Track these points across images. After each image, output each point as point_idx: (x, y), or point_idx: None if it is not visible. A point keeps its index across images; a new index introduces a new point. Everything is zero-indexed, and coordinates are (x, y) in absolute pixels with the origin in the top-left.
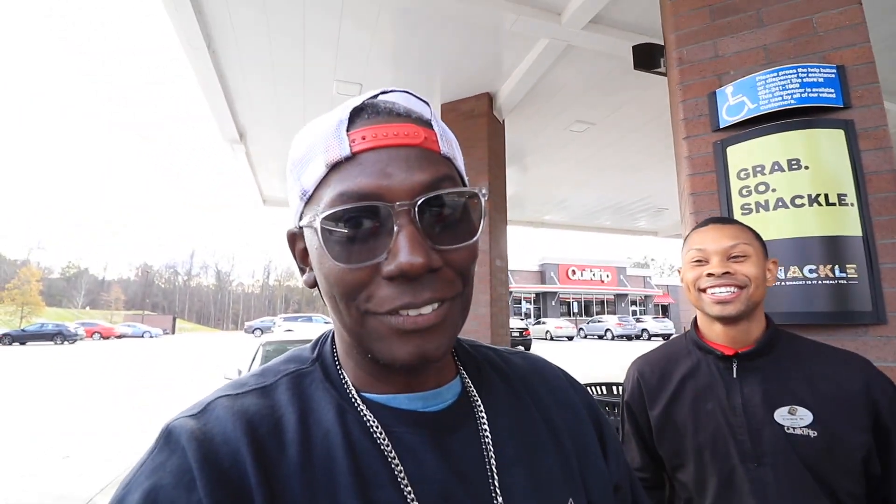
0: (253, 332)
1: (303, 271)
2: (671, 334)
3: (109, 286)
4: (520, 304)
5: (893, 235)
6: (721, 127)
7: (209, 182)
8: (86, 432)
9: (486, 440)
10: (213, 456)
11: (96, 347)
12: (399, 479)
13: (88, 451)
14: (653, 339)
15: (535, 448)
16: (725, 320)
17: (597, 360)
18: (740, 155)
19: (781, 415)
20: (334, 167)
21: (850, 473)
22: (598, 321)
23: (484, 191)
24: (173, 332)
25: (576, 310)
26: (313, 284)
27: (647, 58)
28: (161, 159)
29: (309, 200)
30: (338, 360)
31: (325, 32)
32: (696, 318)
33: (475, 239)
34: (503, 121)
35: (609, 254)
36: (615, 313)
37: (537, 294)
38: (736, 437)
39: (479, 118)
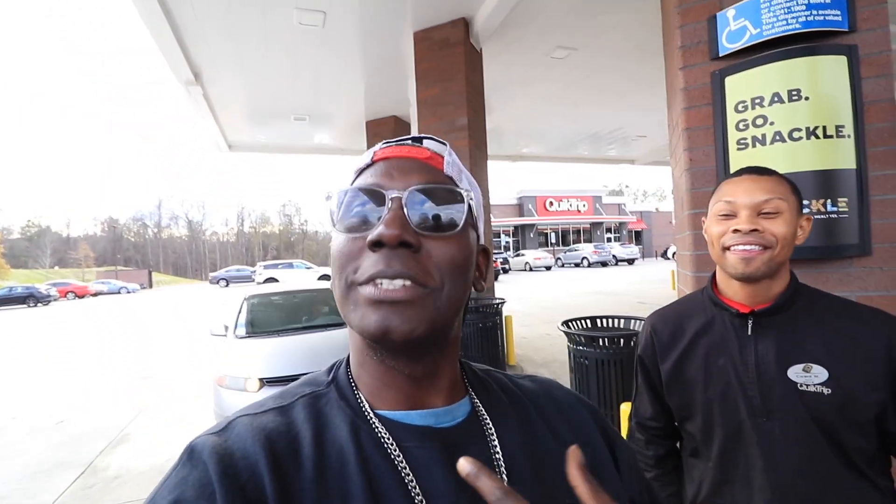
0: (218, 283)
1: None
2: (635, 258)
3: (76, 243)
4: (499, 237)
5: (886, 167)
6: (721, 55)
7: (168, 127)
8: (78, 395)
9: (497, 456)
10: (232, 470)
11: (72, 307)
12: (412, 493)
13: (83, 416)
14: (619, 263)
15: (546, 466)
16: (745, 278)
17: (573, 287)
18: (739, 86)
19: (795, 372)
20: (361, 172)
21: (861, 429)
22: (575, 250)
23: (471, 193)
24: (150, 287)
25: (553, 240)
26: None
27: None
28: (114, 101)
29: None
30: (352, 380)
31: None
32: (714, 273)
33: (456, 231)
34: (480, 50)
35: (586, 183)
36: (591, 241)
37: (516, 227)
38: (746, 393)
39: (455, 47)
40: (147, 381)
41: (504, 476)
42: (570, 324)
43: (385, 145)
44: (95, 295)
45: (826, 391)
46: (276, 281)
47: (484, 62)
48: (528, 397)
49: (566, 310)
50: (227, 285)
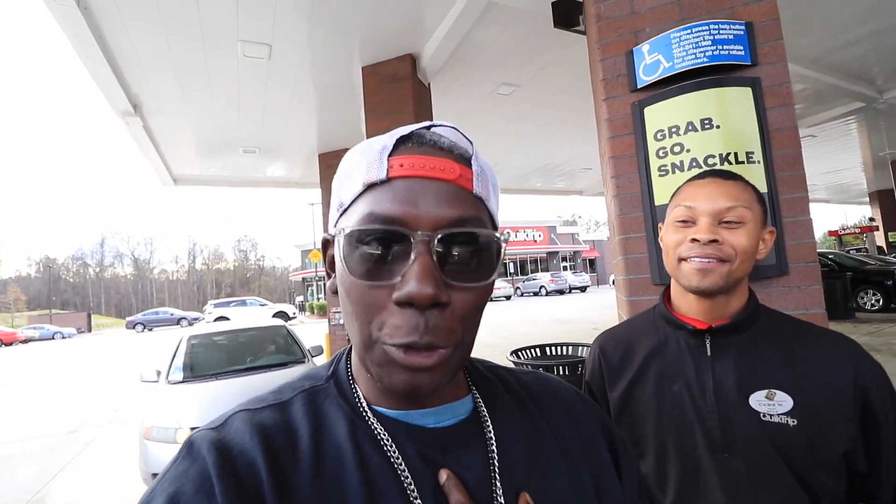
0: (134, 328)
1: (329, 276)
2: (587, 286)
3: (5, 286)
4: None
5: (794, 190)
6: (639, 87)
7: (108, 161)
8: None
9: (493, 460)
10: (230, 464)
11: None
12: (409, 493)
13: None
14: (572, 291)
15: (545, 469)
16: (700, 293)
17: (530, 315)
18: (657, 115)
19: (758, 399)
20: (370, 187)
21: (830, 467)
22: (533, 279)
23: (505, 238)
24: (89, 330)
25: (512, 270)
26: (336, 291)
27: (566, 15)
28: (47, 136)
29: (344, 213)
30: (352, 376)
31: None
32: (665, 289)
33: (489, 281)
34: (429, 85)
35: (540, 214)
36: (548, 270)
37: None
38: (704, 424)
39: (403, 81)
40: (73, 435)
41: (497, 476)
42: (519, 353)
43: (403, 149)
44: (25, 342)
45: (791, 422)
46: (227, 320)
47: (433, 97)
48: (531, 397)
49: (523, 338)
50: (143, 329)
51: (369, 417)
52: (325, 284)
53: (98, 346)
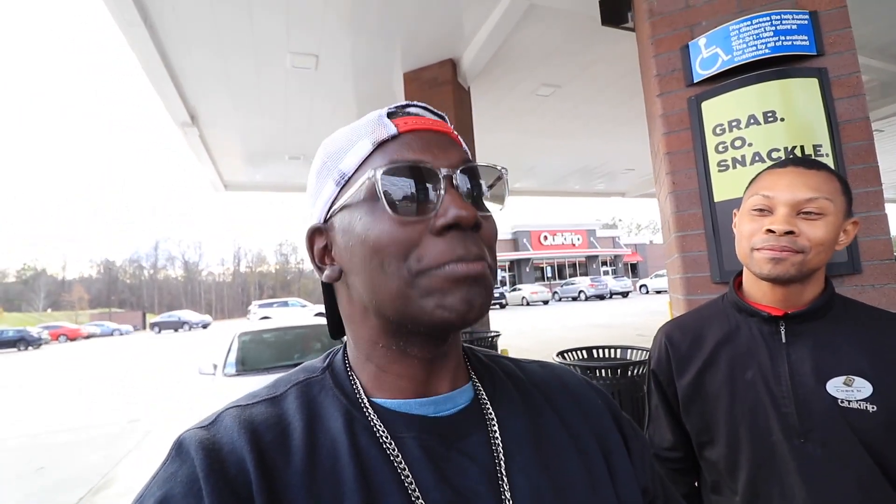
0: (153, 329)
1: (321, 270)
2: (629, 291)
3: (71, 286)
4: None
5: (867, 184)
6: (695, 81)
7: (165, 168)
8: (60, 441)
9: (497, 447)
10: (219, 465)
11: (64, 350)
12: (408, 487)
13: (65, 462)
14: (613, 296)
15: (553, 455)
16: (772, 280)
17: (570, 321)
18: (716, 110)
19: (835, 385)
20: (381, 145)
21: None
22: (572, 283)
23: (506, 169)
24: (144, 328)
25: (549, 274)
26: (337, 277)
27: (614, 13)
28: (107, 145)
29: (346, 184)
30: (349, 366)
31: None
32: (736, 276)
33: (501, 208)
34: (468, 88)
35: (579, 217)
36: (587, 275)
37: (511, 262)
38: (780, 410)
39: (444, 86)
40: (134, 424)
41: (502, 464)
42: (565, 354)
43: (404, 112)
44: (88, 337)
45: (871, 408)
46: (270, 319)
47: (472, 100)
48: (535, 383)
49: (564, 343)
50: (160, 331)
51: (367, 408)
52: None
53: (153, 342)
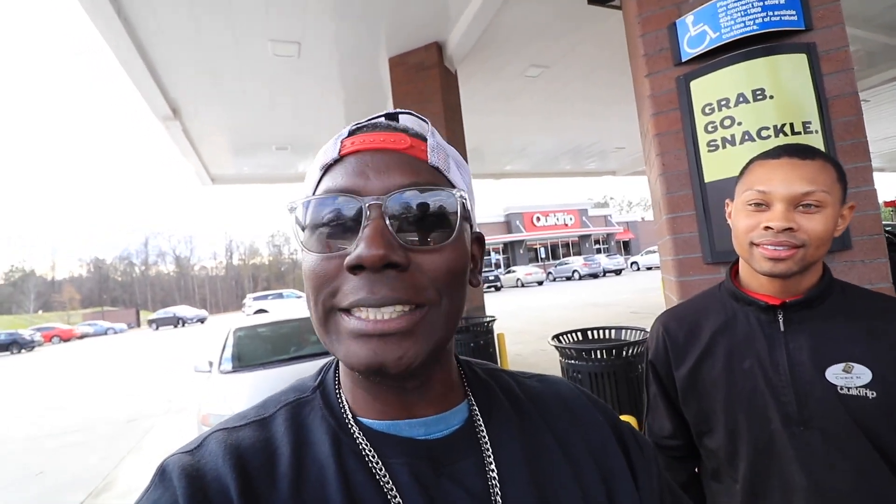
0: (150, 326)
1: None
2: (622, 269)
3: (61, 286)
4: (488, 255)
5: (856, 160)
6: (683, 60)
7: (153, 163)
8: (58, 444)
9: (491, 468)
10: (201, 493)
11: (58, 352)
12: None
13: (64, 465)
14: (606, 274)
15: (547, 480)
16: (773, 276)
17: (565, 301)
18: (704, 88)
19: (834, 373)
20: (327, 170)
21: None
22: (565, 263)
23: (462, 193)
24: (138, 326)
25: (543, 255)
26: None
27: None
28: (91, 144)
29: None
30: (338, 384)
31: None
32: (732, 265)
33: (449, 241)
34: (455, 71)
35: (571, 197)
36: (581, 254)
37: (505, 244)
38: (778, 399)
39: (430, 70)
40: (132, 423)
41: (497, 491)
42: (560, 338)
43: (354, 130)
44: (81, 338)
45: (870, 394)
46: (266, 312)
47: (460, 83)
48: (533, 402)
49: (560, 323)
50: (157, 328)
51: (354, 432)
52: None
53: (147, 340)
